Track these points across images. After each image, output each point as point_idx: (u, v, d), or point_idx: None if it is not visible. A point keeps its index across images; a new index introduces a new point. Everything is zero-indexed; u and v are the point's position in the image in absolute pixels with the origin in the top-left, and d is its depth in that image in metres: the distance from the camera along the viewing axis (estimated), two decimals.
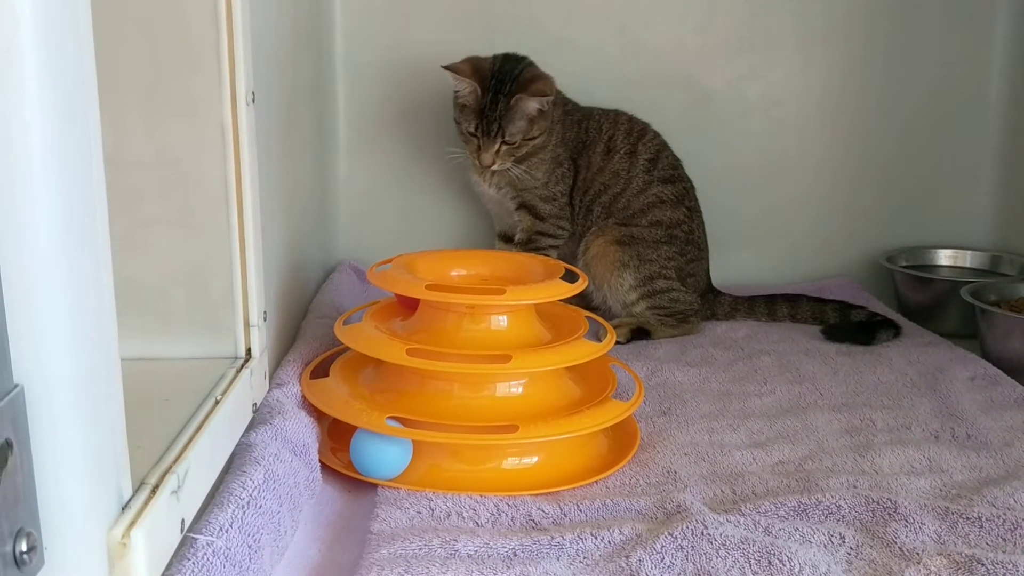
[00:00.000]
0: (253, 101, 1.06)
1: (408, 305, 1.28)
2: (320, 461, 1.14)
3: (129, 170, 1.02)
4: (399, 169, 1.98)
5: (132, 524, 0.69)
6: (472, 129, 1.62)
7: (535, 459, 1.18)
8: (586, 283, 1.26)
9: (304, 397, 1.21)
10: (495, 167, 1.65)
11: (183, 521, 0.78)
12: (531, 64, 1.65)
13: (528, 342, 1.22)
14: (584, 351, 1.21)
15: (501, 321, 1.23)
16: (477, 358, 1.17)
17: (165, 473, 0.77)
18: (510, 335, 1.22)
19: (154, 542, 0.71)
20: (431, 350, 1.16)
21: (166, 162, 1.02)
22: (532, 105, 1.61)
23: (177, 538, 0.78)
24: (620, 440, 1.26)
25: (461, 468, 1.16)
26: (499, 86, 1.60)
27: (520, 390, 1.20)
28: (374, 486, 1.13)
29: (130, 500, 0.72)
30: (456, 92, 1.64)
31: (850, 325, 1.73)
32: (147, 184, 1.02)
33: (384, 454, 1.12)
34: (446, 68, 1.60)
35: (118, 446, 0.70)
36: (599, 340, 1.27)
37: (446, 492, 1.09)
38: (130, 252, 1.03)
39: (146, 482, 0.75)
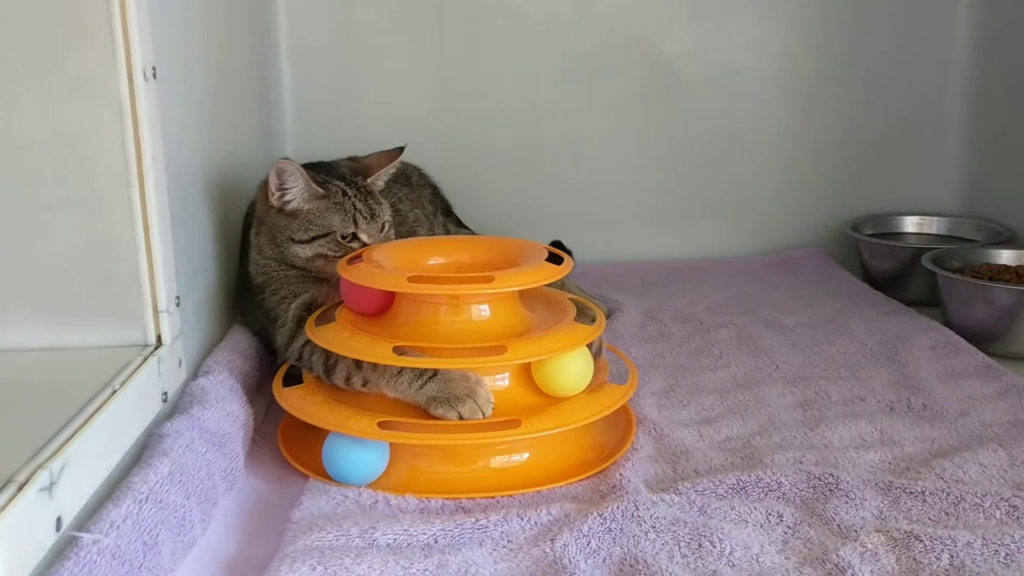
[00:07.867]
0: (154, 77, 1.00)
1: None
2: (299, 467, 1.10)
3: (22, 151, 0.97)
4: (352, 152, 1.92)
5: None
6: (351, 229, 1.24)
7: (526, 455, 1.10)
8: (573, 264, 1.19)
9: (278, 402, 1.14)
10: None
11: (59, 519, 0.74)
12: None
13: (515, 330, 1.13)
14: (579, 335, 1.12)
15: (483, 310, 1.13)
16: (470, 351, 1.08)
17: (36, 469, 0.72)
18: (495, 324, 1.13)
19: (16, 542, 0.67)
20: (421, 346, 1.08)
21: (62, 142, 0.97)
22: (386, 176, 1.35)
23: (50, 537, 0.73)
24: (613, 425, 1.20)
25: (446, 469, 1.08)
26: (340, 173, 1.30)
27: (507, 382, 1.12)
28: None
29: None
30: (284, 200, 1.24)
31: None
32: (43, 165, 0.98)
33: (360, 458, 1.04)
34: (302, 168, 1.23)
35: None
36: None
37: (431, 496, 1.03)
38: (28, 237, 0.99)
39: (13, 479, 0.71)
